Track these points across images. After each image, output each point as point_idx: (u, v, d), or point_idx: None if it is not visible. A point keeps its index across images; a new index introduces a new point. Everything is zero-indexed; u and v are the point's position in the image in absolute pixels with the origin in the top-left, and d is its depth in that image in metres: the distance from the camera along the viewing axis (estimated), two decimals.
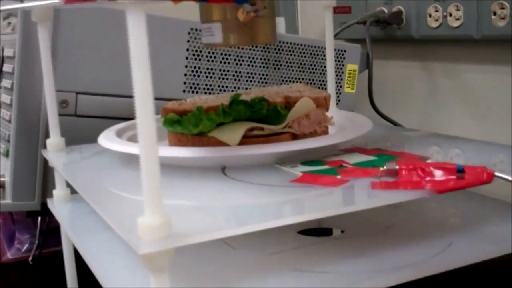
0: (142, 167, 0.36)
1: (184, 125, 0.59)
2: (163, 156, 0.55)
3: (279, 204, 0.47)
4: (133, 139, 0.65)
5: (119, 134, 0.66)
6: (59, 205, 0.69)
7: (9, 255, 0.90)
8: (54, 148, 0.70)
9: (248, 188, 0.50)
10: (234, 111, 0.58)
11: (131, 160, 0.60)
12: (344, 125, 0.68)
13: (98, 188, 0.55)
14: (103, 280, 0.49)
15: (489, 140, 0.93)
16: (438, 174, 0.47)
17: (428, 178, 0.47)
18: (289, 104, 0.62)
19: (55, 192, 0.70)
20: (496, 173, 0.47)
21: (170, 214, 0.38)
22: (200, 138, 0.59)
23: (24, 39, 0.76)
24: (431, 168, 0.47)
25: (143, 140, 0.36)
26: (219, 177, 0.54)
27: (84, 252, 0.56)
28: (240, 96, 0.59)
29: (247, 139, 0.58)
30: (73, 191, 0.67)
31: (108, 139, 0.62)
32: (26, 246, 0.91)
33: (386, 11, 1.06)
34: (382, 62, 1.14)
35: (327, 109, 0.64)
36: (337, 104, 0.97)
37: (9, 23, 0.84)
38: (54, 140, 0.70)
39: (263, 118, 0.59)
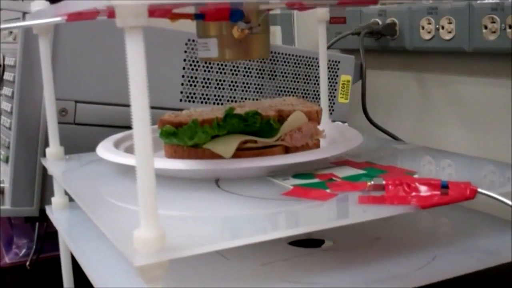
0: (139, 184, 0.38)
1: (179, 137, 0.60)
2: (159, 168, 0.57)
3: (271, 217, 0.49)
4: (130, 149, 0.66)
5: (117, 144, 0.68)
6: (57, 212, 0.71)
7: (7, 259, 0.91)
8: (53, 157, 0.71)
9: (241, 201, 0.52)
10: (228, 124, 0.59)
11: (129, 170, 0.62)
12: (336, 138, 0.69)
13: (95, 198, 0.56)
14: (98, 286, 0.51)
15: (479, 149, 0.95)
16: (423, 190, 0.49)
17: (413, 194, 0.49)
18: (282, 117, 0.63)
19: (53, 199, 0.71)
20: (479, 190, 0.48)
21: (165, 225, 0.39)
22: (195, 150, 0.61)
23: (25, 49, 0.77)
24: (416, 184, 0.49)
25: (140, 158, 0.37)
26: (212, 189, 0.56)
27: (80, 258, 0.58)
28: (234, 109, 0.61)
29: (240, 152, 0.60)
30: (71, 199, 0.68)
31: (106, 150, 0.64)
32: (24, 250, 0.92)
33: (380, 22, 1.08)
34: (376, 72, 1.16)
35: (318, 123, 0.66)
36: (331, 113, 0.98)
37: (11, 32, 0.85)
38: (54, 149, 0.71)
39: (256, 131, 0.61)
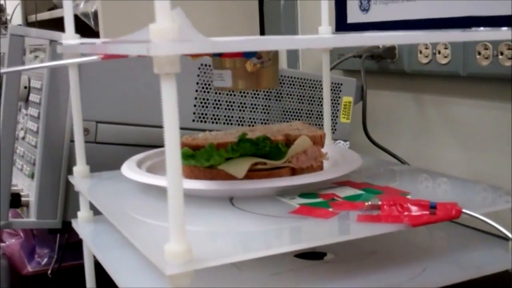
0: (170, 203, 0.44)
1: (197, 159, 0.66)
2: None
3: (280, 232, 0.55)
4: (151, 168, 0.73)
5: (139, 164, 0.74)
6: (82, 225, 0.76)
7: (30, 268, 0.95)
8: (80, 175, 0.77)
9: (253, 218, 0.58)
10: (241, 148, 0.66)
11: (147, 187, 0.68)
12: (337, 160, 0.75)
13: (121, 213, 0.63)
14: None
15: (474, 167, 1.00)
16: (414, 210, 0.55)
17: (405, 213, 0.55)
18: (289, 141, 0.70)
19: (79, 213, 0.76)
20: (463, 210, 0.55)
21: (188, 239, 0.45)
22: (210, 170, 0.67)
23: (52, 74, 0.83)
24: (408, 204, 0.55)
25: (172, 183, 0.44)
26: (227, 207, 0.62)
27: (107, 265, 0.64)
28: (246, 135, 0.67)
29: (252, 173, 0.66)
30: (96, 213, 0.74)
31: (131, 170, 0.70)
32: (45, 260, 0.96)
33: (380, 46, 1.13)
34: (376, 93, 1.20)
35: (322, 146, 0.73)
36: (333, 133, 1.04)
37: (36, 57, 0.91)
38: (80, 168, 0.77)
39: (266, 154, 0.67)
